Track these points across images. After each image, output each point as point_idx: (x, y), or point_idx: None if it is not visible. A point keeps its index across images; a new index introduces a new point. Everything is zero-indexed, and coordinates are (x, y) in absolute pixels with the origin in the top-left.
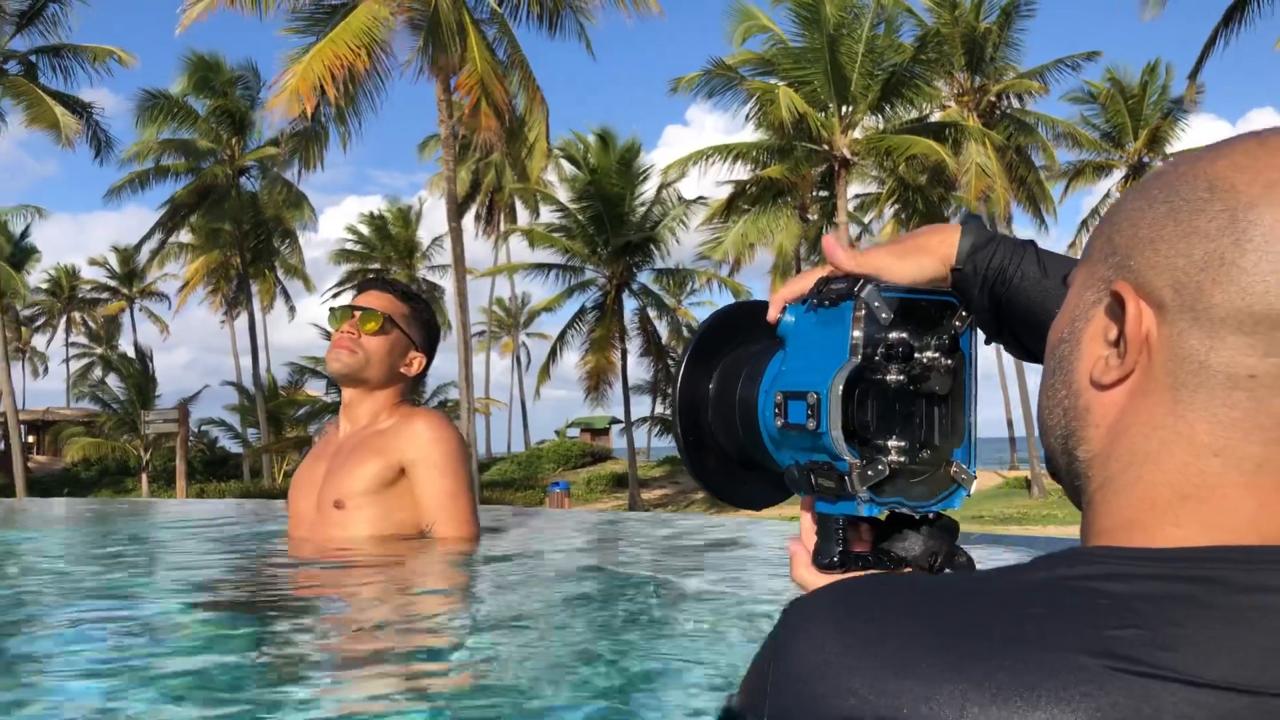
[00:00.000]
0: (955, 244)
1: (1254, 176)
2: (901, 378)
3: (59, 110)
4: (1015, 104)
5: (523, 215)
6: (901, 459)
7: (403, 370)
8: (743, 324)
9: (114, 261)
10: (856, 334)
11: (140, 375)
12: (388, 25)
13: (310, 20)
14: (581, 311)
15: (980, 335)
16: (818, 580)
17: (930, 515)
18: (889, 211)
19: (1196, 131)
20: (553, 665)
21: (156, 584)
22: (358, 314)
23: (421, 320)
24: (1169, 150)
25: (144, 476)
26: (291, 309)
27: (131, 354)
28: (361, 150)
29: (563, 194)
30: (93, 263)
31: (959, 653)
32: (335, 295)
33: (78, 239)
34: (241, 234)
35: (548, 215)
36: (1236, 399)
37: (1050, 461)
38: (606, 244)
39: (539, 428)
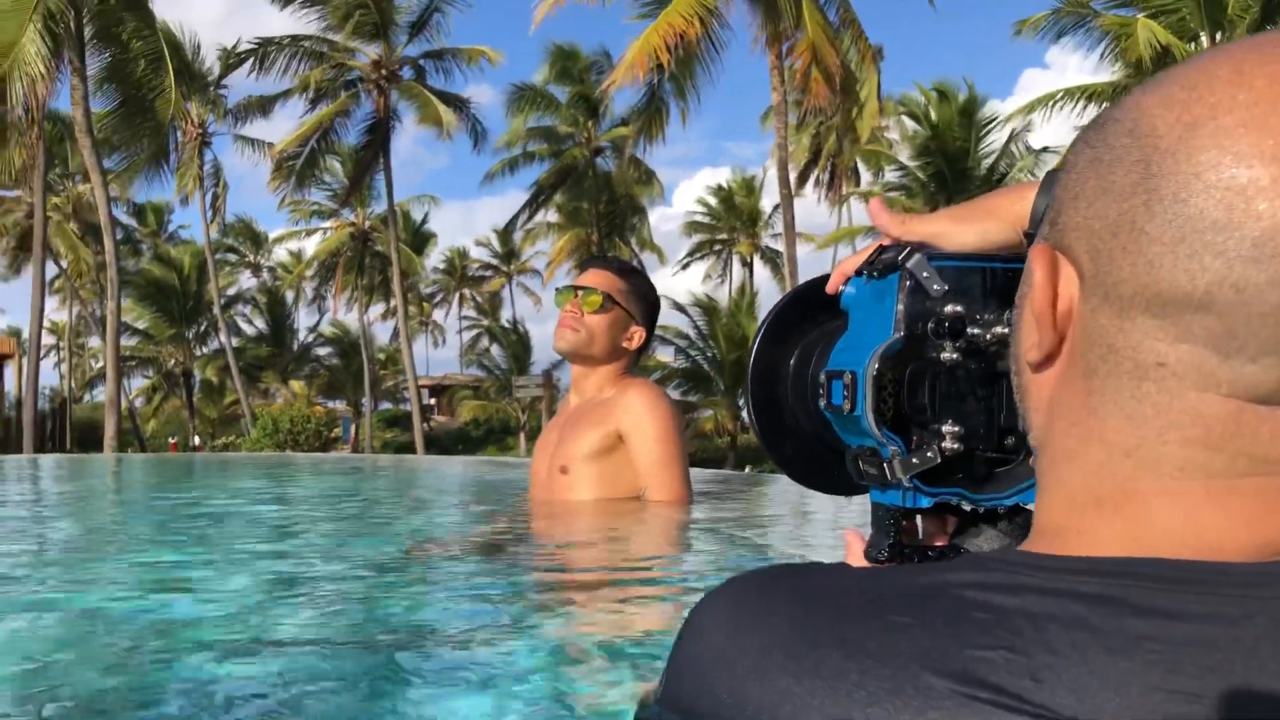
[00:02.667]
0: (1029, 205)
1: (1178, 115)
2: (956, 356)
3: (441, 108)
4: None
5: (866, 179)
6: (957, 446)
7: (624, 345)
8: (828, 298)
9: (495, 242)
10: (900, 307)
11: (517, 344)
12: None
13: (653, 3)
14: None
15: None
16: None
17: (1002, 510)
18: None
19: None
20: None
21: (408, 525)
22: (579, 293)
23: (640, 295)
24: None
25: (522, 435)
26: None
27: (509, 325)
28: (713, 123)
29: (905, 154)
30: (478, 244)
31: (812, 660)
32: (685, 267)
33: (467, 222)
34: (597, 211)
35: (891, 176)
36: (1145, 391)
37: None
38: (949, 201)
39: None
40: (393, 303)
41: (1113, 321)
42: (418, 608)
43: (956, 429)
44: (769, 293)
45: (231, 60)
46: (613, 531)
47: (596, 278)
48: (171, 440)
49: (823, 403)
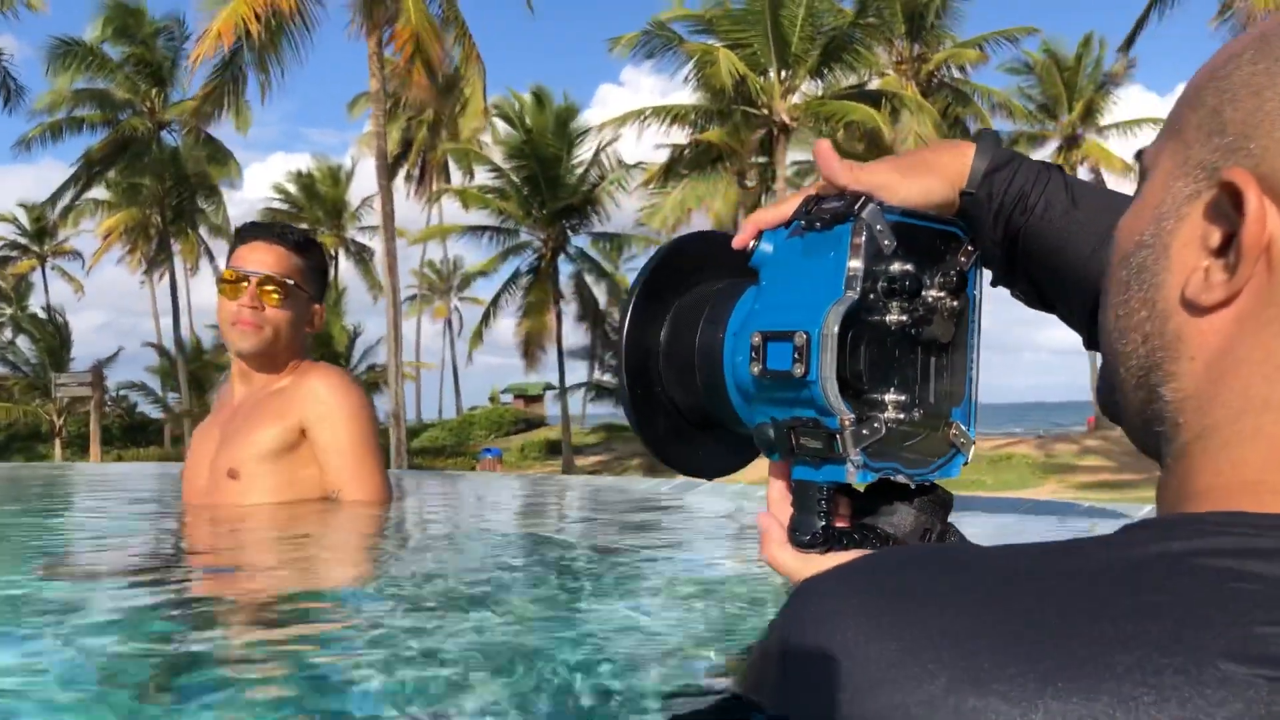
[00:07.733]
0: (968, 163)
1: None
2: (903, 319)
3: None
4: (955, 74)
5: (456, 176)
6: (899, 416)
7: (307, 330)
8: (701, 258)
9: (23, 218)
10: (855, 263)
11: (52, 337)
12: None
13: None
14: (516, 275)
15: (987, 275)
16: (796, 561)
17: (921, 485)
18: None
19: (1129, 104)
20: (477, 643)
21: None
22: (254, 280)
23: (316, 269)
24: (1103, 123)
25: (58, 442)
26: (216, 269)
27: (43, 315)
28: (291, 106)
29: (498, 154)
30: (1, 219)
31: (1053, 659)
32: None
33: None
34: (163, 191)
35: (482, 176)
36: None
37: (1111, 398)
38: (542, 206)
39: (472, 394)
40: None
41: None
42: (54, 641)
43: (900, 398)
44: (357, 288)
45: None
46: (303, 537)
47: (271, 257)
48: None
49: (755, 369)
